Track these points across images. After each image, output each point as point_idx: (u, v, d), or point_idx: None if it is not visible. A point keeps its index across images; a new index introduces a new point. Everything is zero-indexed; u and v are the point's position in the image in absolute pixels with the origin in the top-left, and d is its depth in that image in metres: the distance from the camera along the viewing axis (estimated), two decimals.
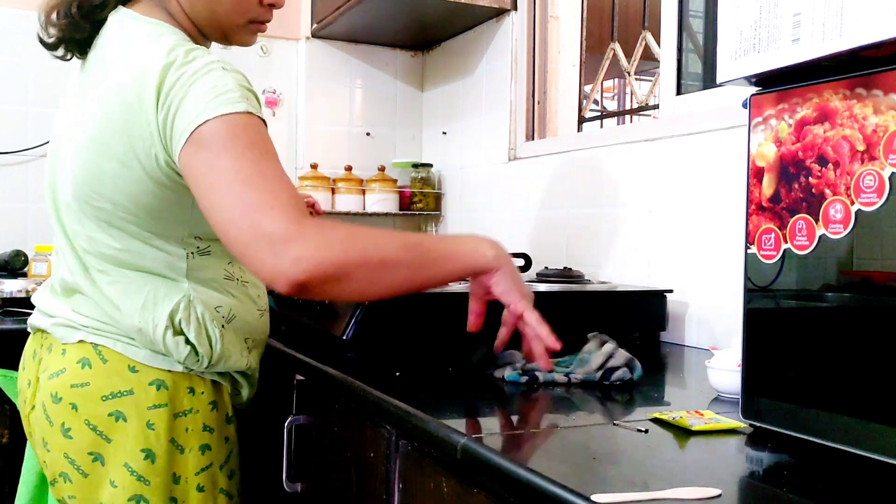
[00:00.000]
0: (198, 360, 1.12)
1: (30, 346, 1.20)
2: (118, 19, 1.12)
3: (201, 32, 1.19)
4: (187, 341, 1.11)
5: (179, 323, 1.10)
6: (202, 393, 1.14)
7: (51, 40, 1.15)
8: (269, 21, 1.22)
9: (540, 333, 1.08)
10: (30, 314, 1.23)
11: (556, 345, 1.07)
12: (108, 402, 1.09)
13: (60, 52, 1.17)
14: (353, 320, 1.34)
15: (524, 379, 1.16)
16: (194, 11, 1.15)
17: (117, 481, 1.09)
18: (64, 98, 1.22)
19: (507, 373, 1.17)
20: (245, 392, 1.22)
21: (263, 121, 1.02)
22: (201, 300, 1.13)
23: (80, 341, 1.12)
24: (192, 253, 1.13)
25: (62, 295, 1.16)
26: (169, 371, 1.11)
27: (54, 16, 1.13)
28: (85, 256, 1.12)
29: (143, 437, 1.09)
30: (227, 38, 1.22)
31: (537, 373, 1.16)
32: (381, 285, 0.99)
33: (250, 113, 0.98)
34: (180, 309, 1.10)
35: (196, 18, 1.16)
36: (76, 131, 1.11)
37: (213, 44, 1.23)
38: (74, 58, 1.19)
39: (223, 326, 1.14)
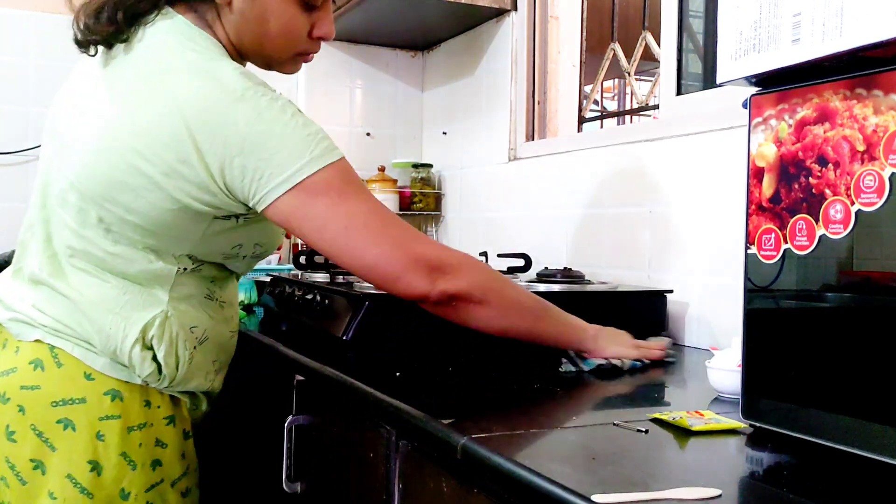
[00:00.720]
0: (159, 379, 1.09)
1: None
2: (167, 27, 1.06)
3: (242, 55, 1.14)
4: (154, 358, 1.08)
5: (151, 339, 1.08)
6: (158, 407, 1.11)
7: (82, 39, 1.09)
8: (316, 52, 1.22)
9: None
10: None
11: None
12: (58, 409, 1.05)
13: (92, 50, 1.10)
14: (354, 321, 1.33)
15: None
16: (241, 41, 1.12)
17: (57, 492, 1.05)
18: (70, 83, 1.16)
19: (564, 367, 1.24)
20: (203, 407, 1.20)
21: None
22: (178, 318, 1.10)
23: (37, 341, 1.08)
24: (183, 269, 1.10)
25: (28, 284, 1.12)
26: (126, 382, 1.08)
27: (94, 19, 1.07)
28: (64, 252, 1.09)
29: (92, 448, 1.05)
30: (269, 66, 1.19)
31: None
32: (508, 321, 1.13)
33: (343, 157, 1.04)
34: (155, 325, 1.08)
35: (241, 46, 1.12)
36: (96, 130, 1.04)
37: None
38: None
39: (195, 348, 1.12)
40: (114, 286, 1.08)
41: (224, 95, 0.99)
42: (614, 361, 1.24)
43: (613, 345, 1.25)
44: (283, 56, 1.17)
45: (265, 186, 1.00)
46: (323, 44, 1.16)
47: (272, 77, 2.87)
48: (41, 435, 1.05)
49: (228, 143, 0.98)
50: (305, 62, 1.22)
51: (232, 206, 1.04)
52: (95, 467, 1.05)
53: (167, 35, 1.06)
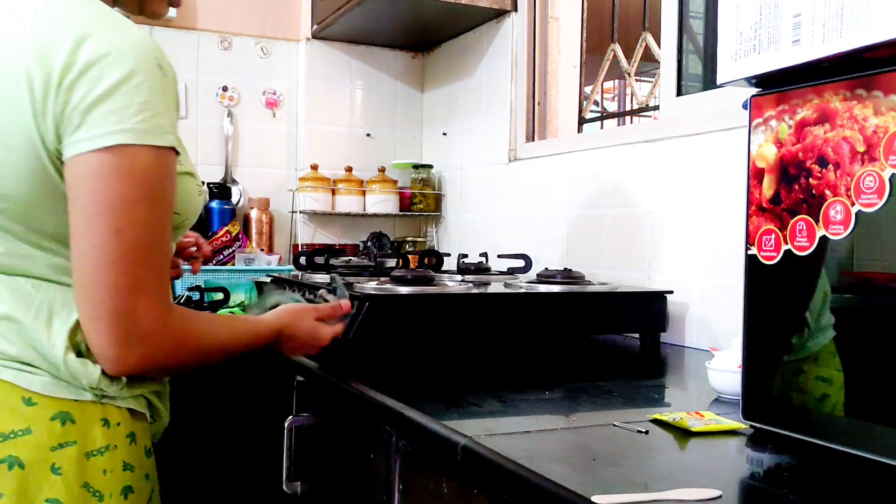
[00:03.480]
0: (113, 382, 0.93)
1: None
2: None
3: (117, 2, 1.04)
4: (95, 362, 0.92)
5: (81, 343, 0.92)
6: (118, 424, 0.94)
7: None
8: (177, 6, 1.10)
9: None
10: None
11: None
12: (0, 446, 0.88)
13: None
14: (354, 322, 1.33)
15: None
16: None
17: None
18: None
19: None
20: (164, 417, 1.05)
21: (178, 153, 0.93)
22: None
23: None
24: None
25: None
26: (75, 400, 0.91)
27: None
28: None
29: (48, 486, 0.88)
30: (139, 8, 1.07)
31: None
32: (201, 365, 1.00)
33: (174, 149, 0.90)
34: (80, 327, 0.91)
35: None
36: None
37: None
38: None
39: None
40: (24, 289, 0.93)
41: (81, 28, 0.87)
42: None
43: (299, 345, 1.16)
44: None
45: (76, 135, 0.85)
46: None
47: (271, 76, 2.85)
48: None
49: (78, 84, 0.85)
50: (173, 5, 1.10)
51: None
52: None
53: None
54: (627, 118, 2.60)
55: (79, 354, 0.92)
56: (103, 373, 0.92)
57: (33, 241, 0.93)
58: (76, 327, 0.92)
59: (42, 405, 0.91)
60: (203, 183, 1.12)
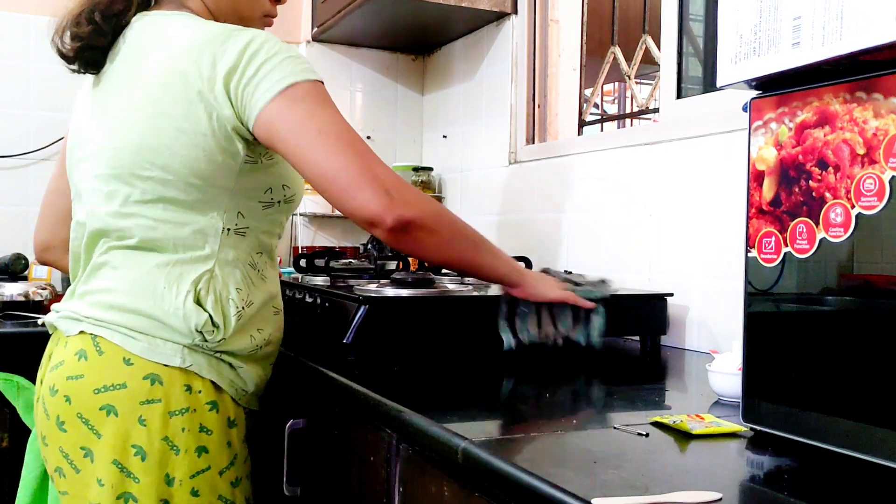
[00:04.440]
0: (214, 331, 1.10)
1: (48, 345, 1.21)
2: (145, 20, 1.17)
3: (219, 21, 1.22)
4: (206, 309, 1.10)
5: (200, 291, 1.10)
6: (199, 392, 1.10)
7: (69, 50, 1.17)
8: (275, 17, 1.32)
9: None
10: (29, 317, 1.24)
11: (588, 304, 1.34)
12: (101, 396, 1.07)
13: (76, 65, 1.19)
14: (354, 324, 1.33)
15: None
16: (217, 5, 1.22)
17: (104, 479, 1.06)
18: (78, 111, 1.25)
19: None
20: (251, 387, 1.18)
21: (322, 82, 1.12)
22: (223, 278, 1.13)
23: (81, 332, 1.11)
24: (228, 229, 1.14)
25: (81, 284, 1.17)
26: (165, 365, 1.08)
27: (75, 25, 1.15)
28: (116, 234, 1.13)
29: (135, 433, 1.06)
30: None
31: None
32: (455, 249, 1.17)
33: (323, 82, 1.11)
34: (202, 280, 1.11)
35: (217, 13, 1.22)
36: (110, 120, 1.14)
37: None
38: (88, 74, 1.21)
39: (242, 309, 1.14)
40: (164, 253, 1.11)
41: (216, 33, 1.10)
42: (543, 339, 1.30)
43: (541, 284, 1.30)
44: (254, 16, 1.28)
45: (253, 98, 1.07)
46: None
47: None
48: (87, 423, 1.07)
49: (228, 69, 1.07)
50: (268, 26, 1.31)
51: (241, 130, 1.11)
52: (139, 452, 1.06)
53: (145, 31, 1.16)
54: (627, 121, 2.60)
55: (195, 300, 1.09)
56: (208, 321, 1.09)
57: (187, 208, 1.11)
58: (199, 279, 1.11)
59: (138, 365, 1.08)
60: None
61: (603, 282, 1.42)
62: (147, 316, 1.09)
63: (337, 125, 1.08)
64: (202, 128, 1.08)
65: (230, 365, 1.15)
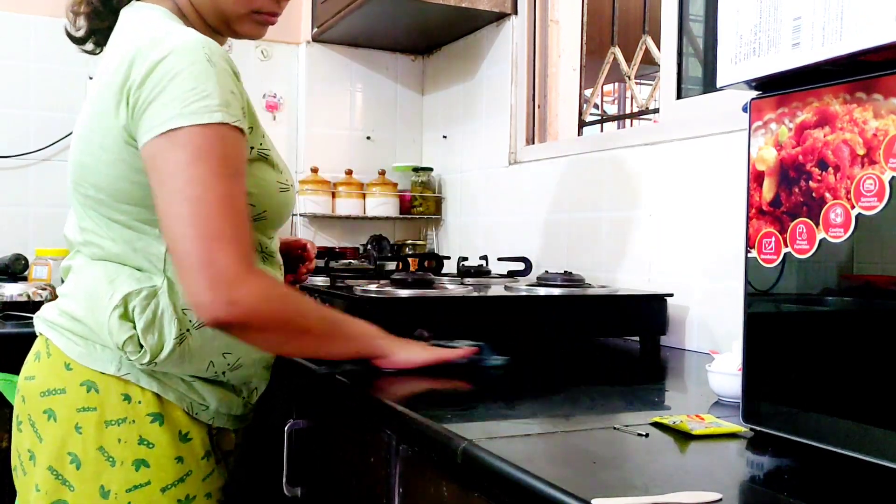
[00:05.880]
0: (140, 352, 1.03)
1: None
2: (125, 13, 1.14)
3: (208, 25, 1.18)
4: (134, 327, 1.03)
5: (133, 309, 1.03)
6: (139, 402, 1.05)
7: (79, 34, 1.20)
8: (276, 13, 1.20)
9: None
10: (29, 318, 1.24)
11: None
12: (44, 399, 1.06)
13: (90, 46, 1.21)
14: None
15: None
16: (199, 3, 1.15)
17: (41, 484, 1.05)
18: None
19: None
20: (212, 404, 1.11)
21: (241, 129, 1.00)
22: (171, 297, 1.05)
23: (40, 334, 1.12)
24: None
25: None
26: (101, 373, 1.05)
27: (80, 7, 1.18)
28: (78, 245, 1.13)
29: (71, 441, 1.04)
30: (233, 31, 1.19)
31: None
32: (290, 346, 1.11)
33: (228, 125, 0.98)
34: (140, 295, 1.04)
35: (200, 7, 1.15)
36: (79, 123, 1.12)
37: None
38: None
39: (187, 331, 1.06)
40: (112, 263, 1.08)
41: (146, 42, 1.00)
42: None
43: (406, 352, 1.19)
44: (240, 12, 1.16)
45: (141, 125, 0.99)
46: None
47: (272, 79, 2.85)
48: (34, 425, 1.07)
49: (143, 86, 0.98)
50: (269, 24, 1.20)
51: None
52: (74, 460, 1.04)
53: (118, 28, 1.13)
54: (627, 121, 2.60)
55: (122, 316, 1.03)
56: (131, 339, 1.03)
57: (125, 226, 1.06)
58: (134, 293, 1.04)
59: (76, 371, 1.05)
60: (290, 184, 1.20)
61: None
62: (85, 323, 1.07)
63: (203, 188, 0.95)
64: (119, 145, 1.02)
65: (181, 378, 1.09)
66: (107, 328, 1.03)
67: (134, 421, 1.05)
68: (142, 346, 1.03)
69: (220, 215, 0.96)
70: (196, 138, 0.96)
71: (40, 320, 1.14)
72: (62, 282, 1.18)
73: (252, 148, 1.09)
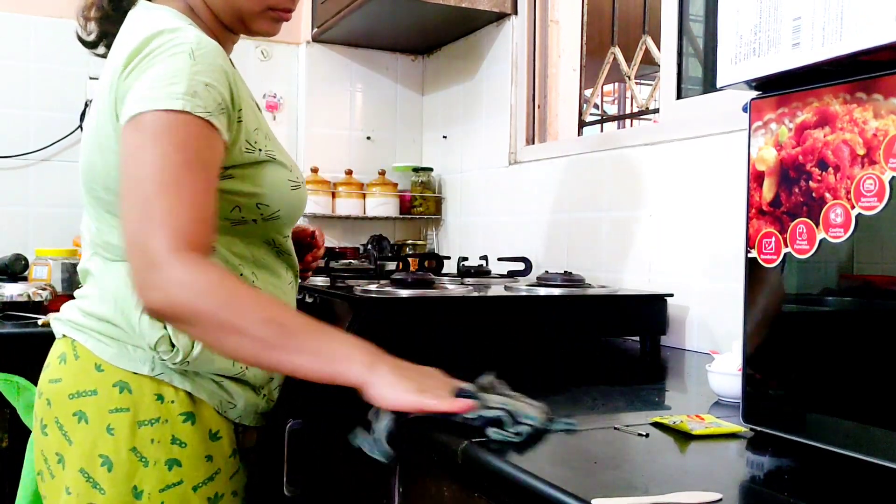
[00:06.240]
0: (172, 352, 1.02)
1: None
2: (134, 11, 1.12)
3: (222, 23, 1.17)
4: (165, 327, 1.02)
5: None
6: (172, 402, 1.05)
7: (90, 38, 1.19)
8: (291, 9, 1.20)
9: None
10: (29, 318, 1.24)
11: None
12: (74, 401, 1.05)
13: (101, 49, 1.20)
14: (354, 324, 1.33)
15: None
16: (213, 2, 1.14)
17: (72, 487, 1.03)
18: None
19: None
20: (240, 403, 1.11)
21: (210, 122, 0.97)
22: None
23: (64, 336, 1.11)
24: None
25: (81, 286, 1.16)
26: (134, 373, 1.04)
27: (90, 12, 1.18)
28: (94, 247, 1.12)
29: (102, 442, 1.03)
30: (248, 28, 1.19)
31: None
32: (226, 347, 0.94)
33: (190, 114, 0.95)
34: None
35: (214, 5, 1.14)
36: (86, 123, 1.12)
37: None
38: None
39: None
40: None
41: (142, 38, 1.00)
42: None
43: (389, 388, 0.91)
44: (254, 10, 1.16)
45: (121, 119, 0.98)
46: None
47: (272, 79, 2.85)
48: (62, 428, 1.06)
49: (126, 78, 0.99)
50: (283, 20, 1.20)
51: None
52: (106, 462, 1.02)
53: (132, 22, 1.11)
54: (627, 121, 2.60)
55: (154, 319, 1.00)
56: (164, 339, 1.01)
57: None
58: None
59: (108, 372, 1.05)
60: (301, 182, 1.18)
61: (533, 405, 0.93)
62: (116, 324, 1.06)
63: (149, 170, 0.93)
64: (119, 143, 1.01)
65: (211, 377, 1.09)
66: (138, 329, 1.03)
67: (167, 421, 1.04)
68: (174, 346, 1.02)
69: (158, 197, 0.92)
70: (153, 123, 0.95)
71: (61, 322, 1.12)
72: (79, 285, 1.17)
73: (260, 150, 1.09)
